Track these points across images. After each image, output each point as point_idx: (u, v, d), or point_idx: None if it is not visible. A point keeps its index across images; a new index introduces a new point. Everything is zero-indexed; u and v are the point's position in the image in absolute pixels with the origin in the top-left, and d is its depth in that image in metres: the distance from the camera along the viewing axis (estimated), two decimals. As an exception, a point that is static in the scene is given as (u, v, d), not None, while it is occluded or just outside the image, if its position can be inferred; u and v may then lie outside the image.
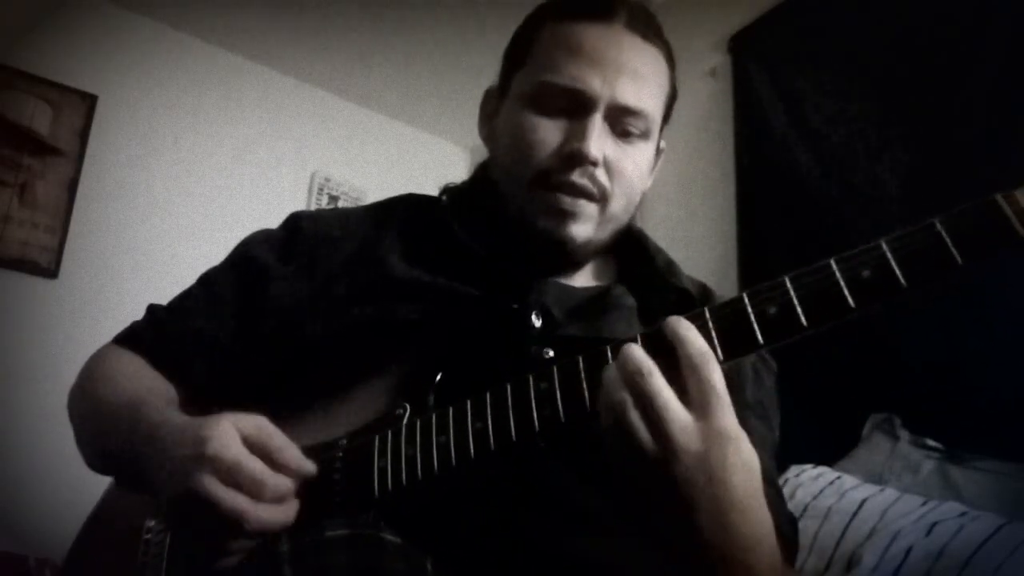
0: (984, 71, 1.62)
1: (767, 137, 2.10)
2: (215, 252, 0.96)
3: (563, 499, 0.70)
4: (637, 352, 0.55)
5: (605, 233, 0.85)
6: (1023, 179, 0.50)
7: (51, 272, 2.57)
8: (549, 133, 0.80)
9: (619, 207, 0.83)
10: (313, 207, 3.13)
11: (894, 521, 1.24)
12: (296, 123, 3.20)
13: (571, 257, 0.85)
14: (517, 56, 0.87)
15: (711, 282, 0.93)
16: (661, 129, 0.89)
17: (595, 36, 0.81)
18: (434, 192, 0.98)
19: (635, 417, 0.53)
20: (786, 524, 0.73)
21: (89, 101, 2.73)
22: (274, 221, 0.96)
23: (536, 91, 0.82)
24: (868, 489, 1.37)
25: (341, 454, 0.68)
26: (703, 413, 0.53)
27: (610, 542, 0.69)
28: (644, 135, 0.84)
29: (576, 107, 0.80)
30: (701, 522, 0.53)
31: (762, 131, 2.12)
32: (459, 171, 3.60)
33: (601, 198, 0.81)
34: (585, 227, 0.82)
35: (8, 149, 2.56)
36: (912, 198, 1.69)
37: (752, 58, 2.23)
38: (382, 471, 0.65)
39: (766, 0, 2.21)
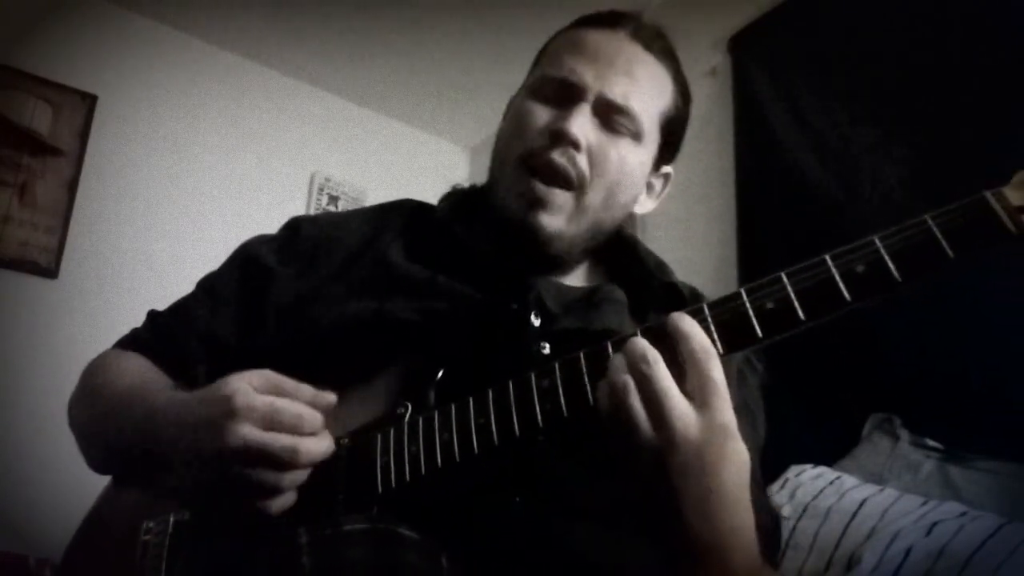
0: (984, 71, 1.62)
1: (767, 137, 2.10)
2: (215, 252, 0.96)
3: (562, 492, 0.70)
4: (642, 341, 0.56)
5: (581, 227, 0.85)
6: (1011, 176, 0.52)
7: (51, 272, 2.56)
8: (540, 116, 0.85)
9: (597, 199, 0.84)
10: (313, 207, 3.14)
11: (894, 521, 1.24)
12: (296, 123, 3.19)
13: (545, 249, 0.84)
14: (534, 63, 0.94)
15: (711, 282, 0.94)
16: (668, 153, 0.92)
17: (597, 38, 0.86)
18: (434, 192, 0.99)
19: (636, 402, 0.55)
20: (769, 521, 0.74)
21: (89, 101, 2.73)
22: (275, 221, 0.96)
23: (536, 83, 0.88)
24: (868, 489, 1.37)
25: (343, 452, 0.68)
26: (703, 406, 0.54)
27: (609, 534, 0.69)
28: (634, 136, 0.85)
29: (567, 96, 0.84)
30: (689, 511, 0.54)
31: (762, 131, 2.12)
32: (459, 171, 3.61)
33: (579, 185, 0.83)
34: (556, 218, 0.83)
35: (8, 149, 2.55)
36: (912, 198, 1.69)
37: (752, 58, 2.23)
38: (385, 468, 0.66)
39: (766, 0, 2.21)
